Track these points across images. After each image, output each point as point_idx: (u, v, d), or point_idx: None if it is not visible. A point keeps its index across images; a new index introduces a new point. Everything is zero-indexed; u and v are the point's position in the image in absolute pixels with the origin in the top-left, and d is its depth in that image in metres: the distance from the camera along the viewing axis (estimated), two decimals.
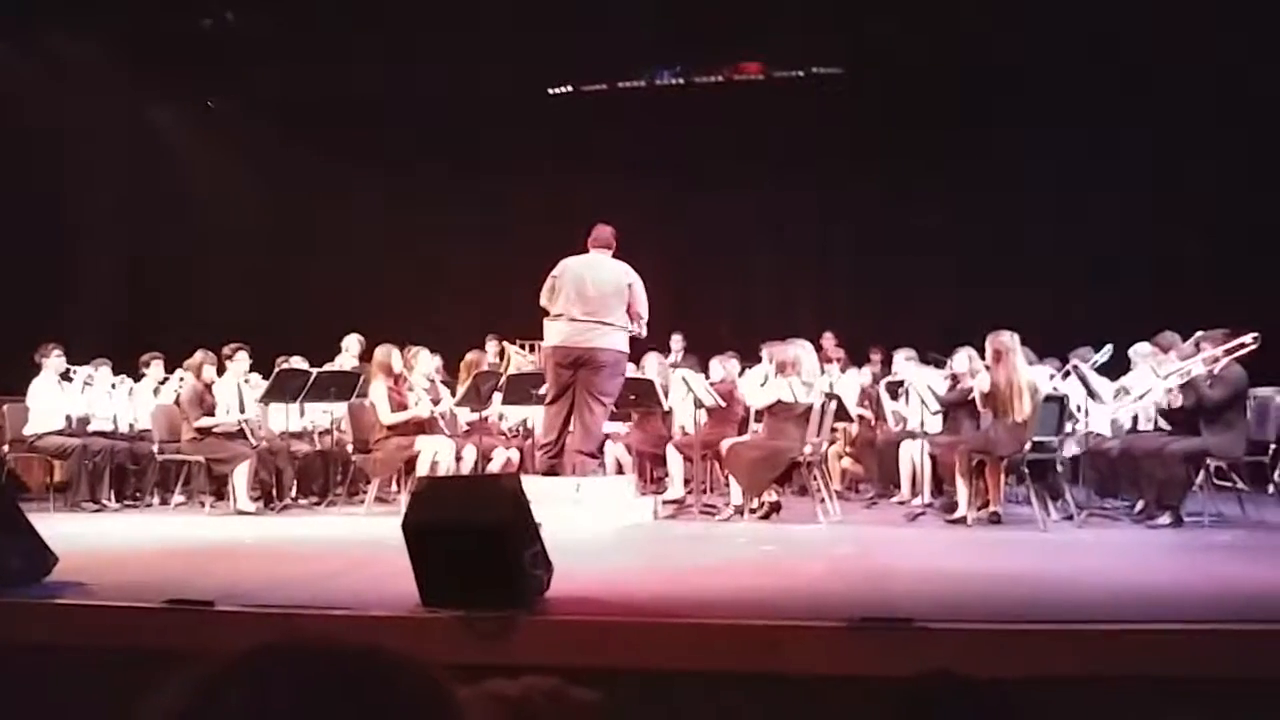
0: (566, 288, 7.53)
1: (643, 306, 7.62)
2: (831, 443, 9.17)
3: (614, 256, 7.74)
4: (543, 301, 7.67)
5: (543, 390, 7.94)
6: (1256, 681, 3.26)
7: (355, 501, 8.79)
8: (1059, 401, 7.47)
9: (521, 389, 8.71)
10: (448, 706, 0.87)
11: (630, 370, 9.72)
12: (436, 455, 8.09)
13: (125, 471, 9.23)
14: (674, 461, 8.64)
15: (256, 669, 0.84)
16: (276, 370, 8.86)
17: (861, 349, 10.86)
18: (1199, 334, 7.26)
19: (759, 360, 9.52)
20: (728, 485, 8.10)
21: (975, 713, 1.54)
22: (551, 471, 7.45)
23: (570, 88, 13.42)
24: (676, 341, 11.24)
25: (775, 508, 7.67)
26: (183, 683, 0.83)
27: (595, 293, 7.47)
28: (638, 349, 10.07)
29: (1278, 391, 7.70)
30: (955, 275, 12.27)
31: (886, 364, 10.08)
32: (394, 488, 8.87)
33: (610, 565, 5.38)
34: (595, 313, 7.44)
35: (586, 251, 7.73)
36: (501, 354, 10.92)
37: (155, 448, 8.95)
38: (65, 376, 9.09)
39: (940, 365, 8.80)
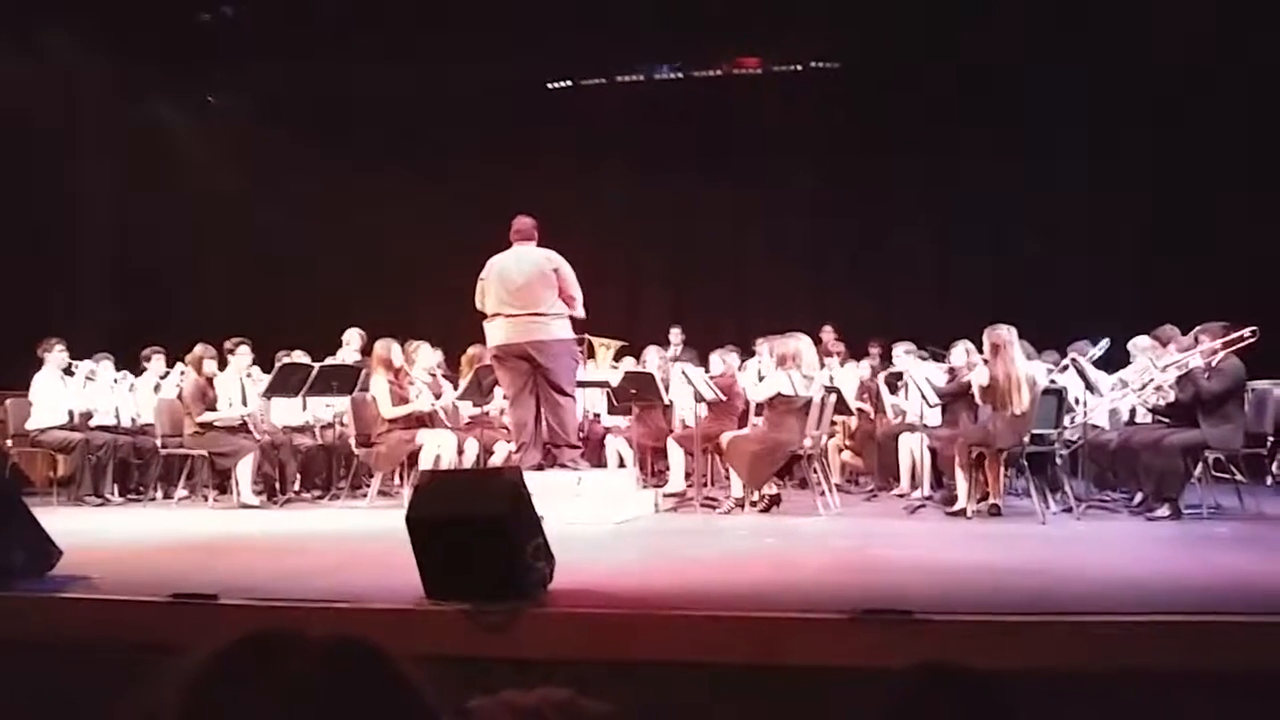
0: (494, 287, 7.44)
1: (573, 288, 7.44)
2: (831, 436, 9.20)
3: (540, 245, 7.58)
4: (478, 305, 7.59)
5: None
6: (1256, 673, 3.28)
7: (358, 495, 8.81)
8: (1057, 394, 7.49)
9: None
10: (415, 698, 0.91)
11: (630, 364, 9.75)
12: (439, 449, 8.12)
13: (128, 466, 9.27)
14: (675, 455, 8.66)
15: (234, 660, 0.88)
16: (278, 364, 8.88)
17: (860, 342, 10.88)
18: (1198, 328, 7.28)
19: (755, 354, 9.56)
20: (728, 478, 8.13)
21: (971, 703, 1.56)
22: (539, 467, 7.40)
23: (570, 82, 13.42)
24: (676, 335, 11.26)
25: (775, 500, 7.71)
26: (164, 677, 0.86)
27: (521, 286, 7.35)
28: (638, 343, 10.13)
29: (1276, 384, 7.72)
30: (953, 269, 12.30)
31: (885, 357, 10.10)
32: (397, 481, 8.89)
33: (612, 558, 5.40)
34: (526, 306, 7.33)
35: (513, 246, 7.57)
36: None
37: (158, 442, 8.98)
38: (67, 371, 9.12)
39: (939, 359, 8.82)
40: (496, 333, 7.47)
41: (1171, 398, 7.18)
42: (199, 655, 0.89)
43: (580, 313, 7.58)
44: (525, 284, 7.36)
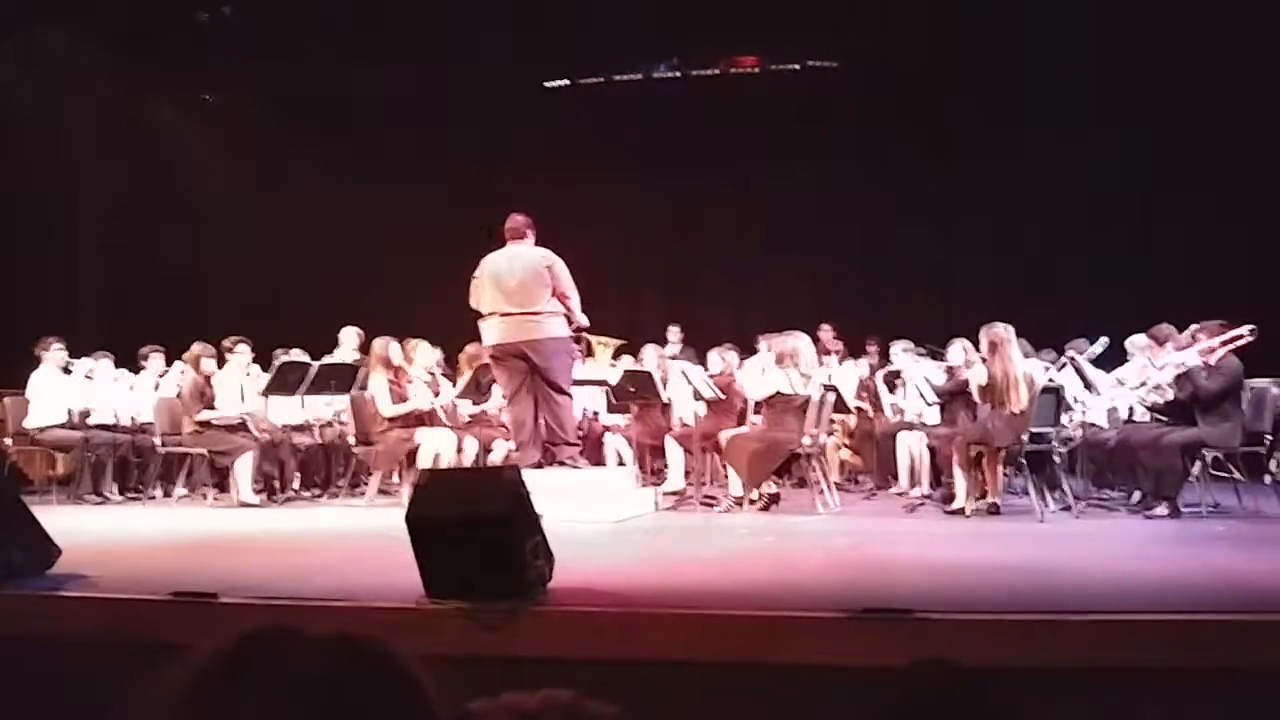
0: (488, 285, 7.43)
1: (568, 287, 7.41)
2: (830, 434, 9.20)
3: (537, 243, 7.57)
4: (472, 304, 7.58)
5: None
6: (1253, 671, 3.29)
7: (357, 494, 8.82)
8: (1055, 393, 7.50)
9: None
10: (417, 695, 0.92)
11: (629, 362, 9.75)
12: (438, 448, 8.12)
13: (128, 464, 9.26)
14: (673, 453, 8.67)
15: (237, 658, 0.89)
16: (277, 363, 8.88)
17: (859, 341, 10.89)
18: (1195, 326, 7.28)
19: (756, 352, 9.56)
20: (727, 477, 8.13)
21: (971, 702, 1.57)
22: (538, 466, 7.38)
23: (567, 81, 13.42)
24: (674, 334, 11.25)
25: (774, 499, 7.71)
26: (166, 675, 0.87)
27: (515, 284, 7.33)
28: (636, 342, 10.12)
29: (1274, 383, 7.72)
30: (953, 268, 12.30)
31: (884, 356, 10.10)
32: (396, 480, 8.88)
33: (611, 556, 5.41)
34: (521, 304, 7.31)
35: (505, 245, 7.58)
36: None
37: (157, 440, 8.98)
38: (66, 370, 9.11)
39: (937, 357, 8.82)
40: (491, 332, 7.47)
41: (1170, 396, 7.19)
42: (201, 652, 0.89)
43: (578, 314, 7.55)
44: (519, 283, 7.35)
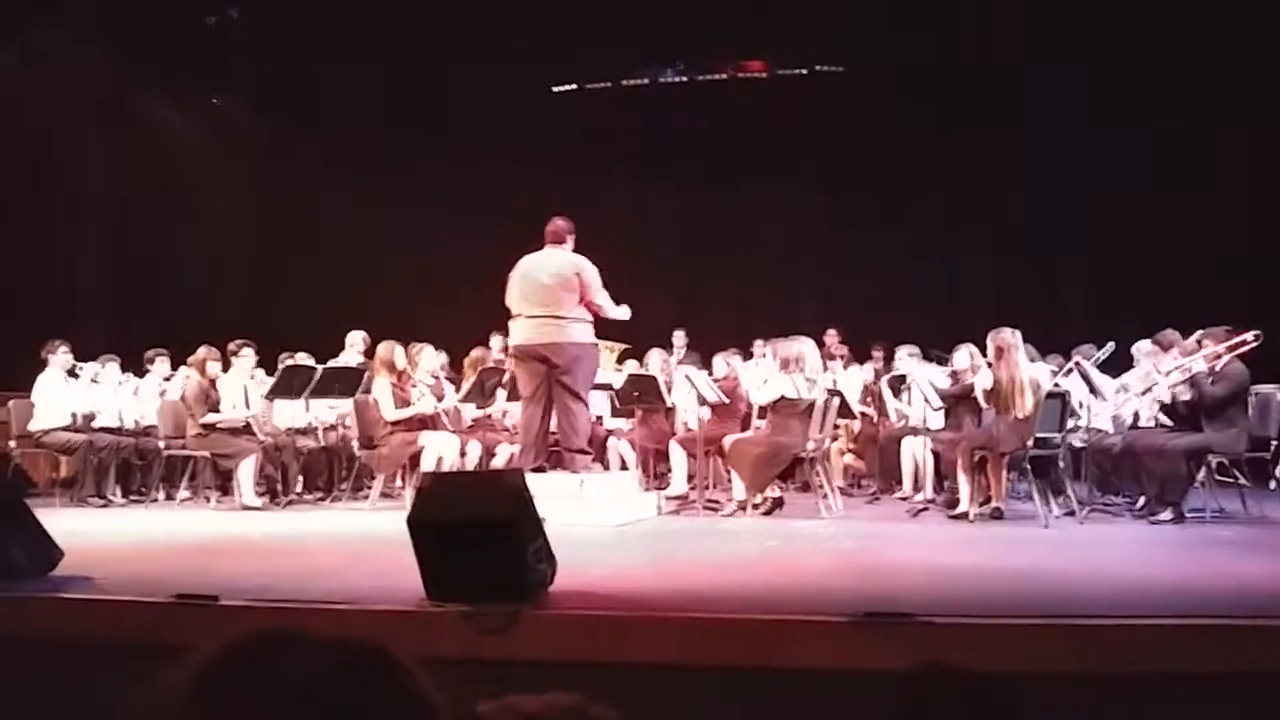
0: (519, 286, 7.47)
1: (596, 294, 7.44)
2: (834, 439, 9.19)
3: (574, 249, 7.59)
4: (507, 303, 7.61)
5: None
6: (1258, 676, 3.27)
7: (360, 497, 8.82)
8: (1061, 398, 7.49)
9: None
10: (420, 700, 0.92)
11: (633, 367, 9.75)
12: (441, 451, 8.12)
13: (131, 467, 9.29)
14: (677, 457, 8.66)
15: (240, 660, 0.88)
16: (282, 366, 8.89)
17: (864, 345, 10.88)
18: (1201, 331, 7.27)
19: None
20: (731, 481, 8.12)
21: (973, 706, 1.56)
22: (539, 470, 7.37)
23: (574, 86, 13.44)
24: (679, 338, 11.26)
25: (778, 503, 7.70)
26: (169, 676, 0.87)
27: (543, 288, 7.37)
28: (641, 346, 10.12)
29: (1278, 388, 7.71)
30: (957, 272, 12.30)
31: (889, 360, 10.10)
32: (399, 483, 8.89)
33: (613, 560, 5.39)
34: (547, 308, 7.34)
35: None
36: (506, 350, 10.92)
37: (161, 443, 9.00)
38: (71, 373, 9.13)
39: (942, 362, 8.82)
40: (517, 333, 7.51)
41: (1188, 395, 7.13)
42: (204, 654, 0.89)
43: (613, 312, 7.56)
44: (547, 286, 7.38)
